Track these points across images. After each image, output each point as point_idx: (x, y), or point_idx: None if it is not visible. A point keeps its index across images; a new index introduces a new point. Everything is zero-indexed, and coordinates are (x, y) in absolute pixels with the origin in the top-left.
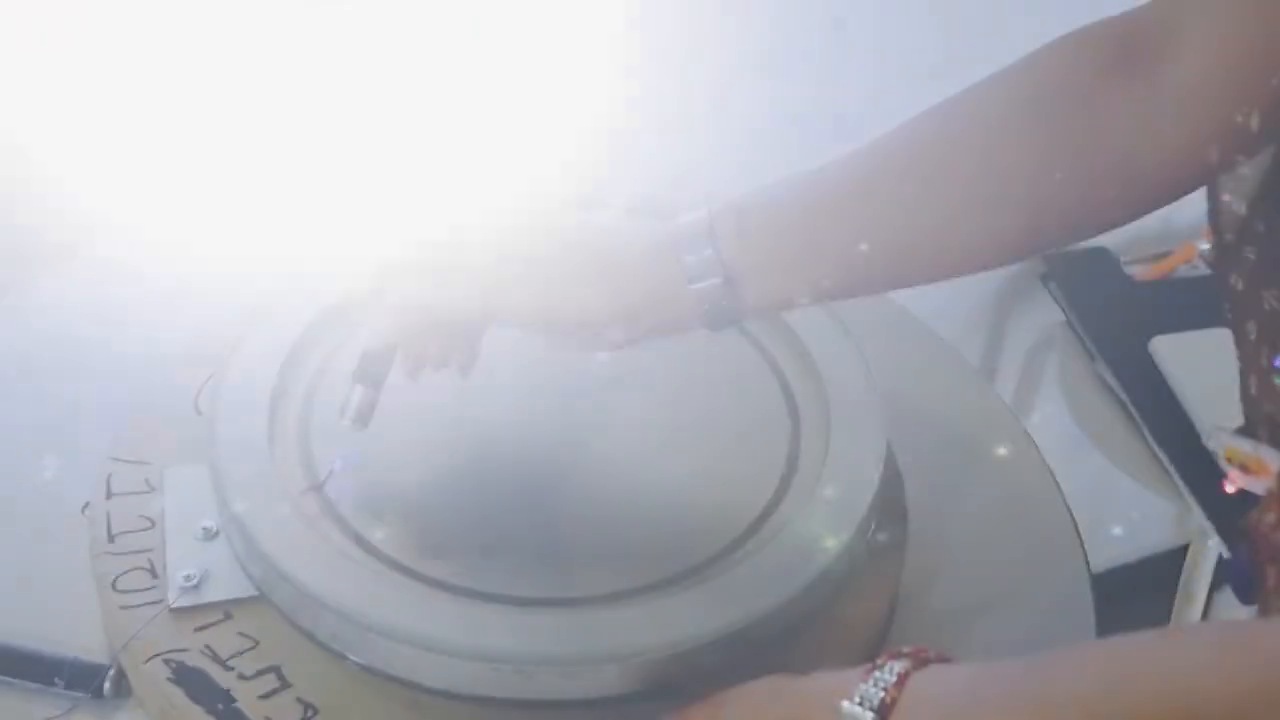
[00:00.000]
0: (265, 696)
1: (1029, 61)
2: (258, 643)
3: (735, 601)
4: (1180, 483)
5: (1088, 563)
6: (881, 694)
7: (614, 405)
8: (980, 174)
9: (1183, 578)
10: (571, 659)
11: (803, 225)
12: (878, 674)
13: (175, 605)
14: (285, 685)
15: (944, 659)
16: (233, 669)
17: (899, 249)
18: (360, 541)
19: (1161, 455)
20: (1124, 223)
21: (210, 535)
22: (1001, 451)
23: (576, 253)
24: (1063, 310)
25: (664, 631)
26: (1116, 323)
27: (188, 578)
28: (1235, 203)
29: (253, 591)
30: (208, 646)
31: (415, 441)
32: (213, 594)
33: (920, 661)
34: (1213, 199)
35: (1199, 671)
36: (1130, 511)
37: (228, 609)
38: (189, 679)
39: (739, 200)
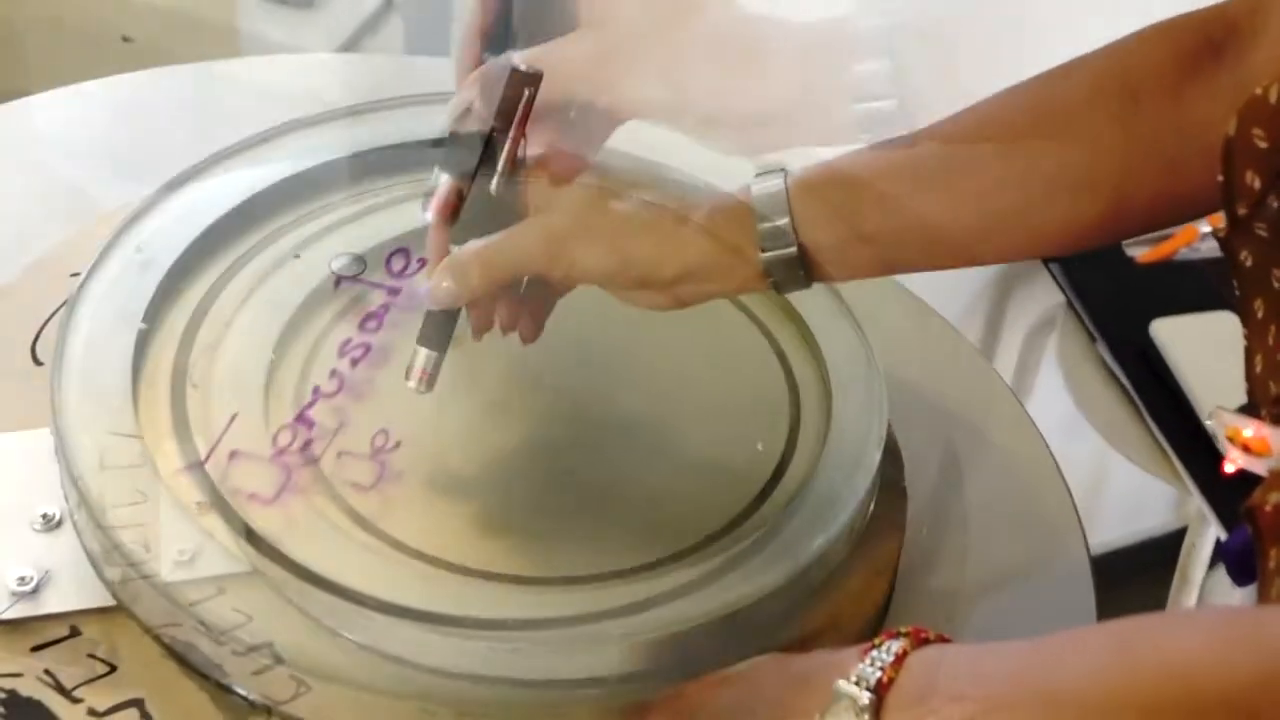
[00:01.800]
0: None
1: (1114, 50)
2: (114, 668)
3: (732, 582)
4: (1179, 466)
5: (1088, 545)
6: (879, 673)
7: (611, 382)
8: (1067, 158)
9: (1180, 561)
10: (567, 638)
11: (882, 198)
12: (875, 653)
13: (4, 617)
14: None
15: (943, 639)
16: (80, 701)
17: (978, 227)
18: (254, 539)
19: (1161, 438)
20: (1200, 215)
21: (52, 524)
22: (1002, 432)
23: (648, 211)
24: (1063, 291)
25: (662, 611)
26: (1117, 305)
27: (22, 580)
28: (1252, 177)
29: (109, 600)
30: (47, 672)
31: (343, 408)
32: (56, 603)
33: (919, 641)
34: (1229, 171)
35: (1202, 656)
36: (1128, 494)
37: (74, 623)
38: (23, 714)
39: (817, 169)
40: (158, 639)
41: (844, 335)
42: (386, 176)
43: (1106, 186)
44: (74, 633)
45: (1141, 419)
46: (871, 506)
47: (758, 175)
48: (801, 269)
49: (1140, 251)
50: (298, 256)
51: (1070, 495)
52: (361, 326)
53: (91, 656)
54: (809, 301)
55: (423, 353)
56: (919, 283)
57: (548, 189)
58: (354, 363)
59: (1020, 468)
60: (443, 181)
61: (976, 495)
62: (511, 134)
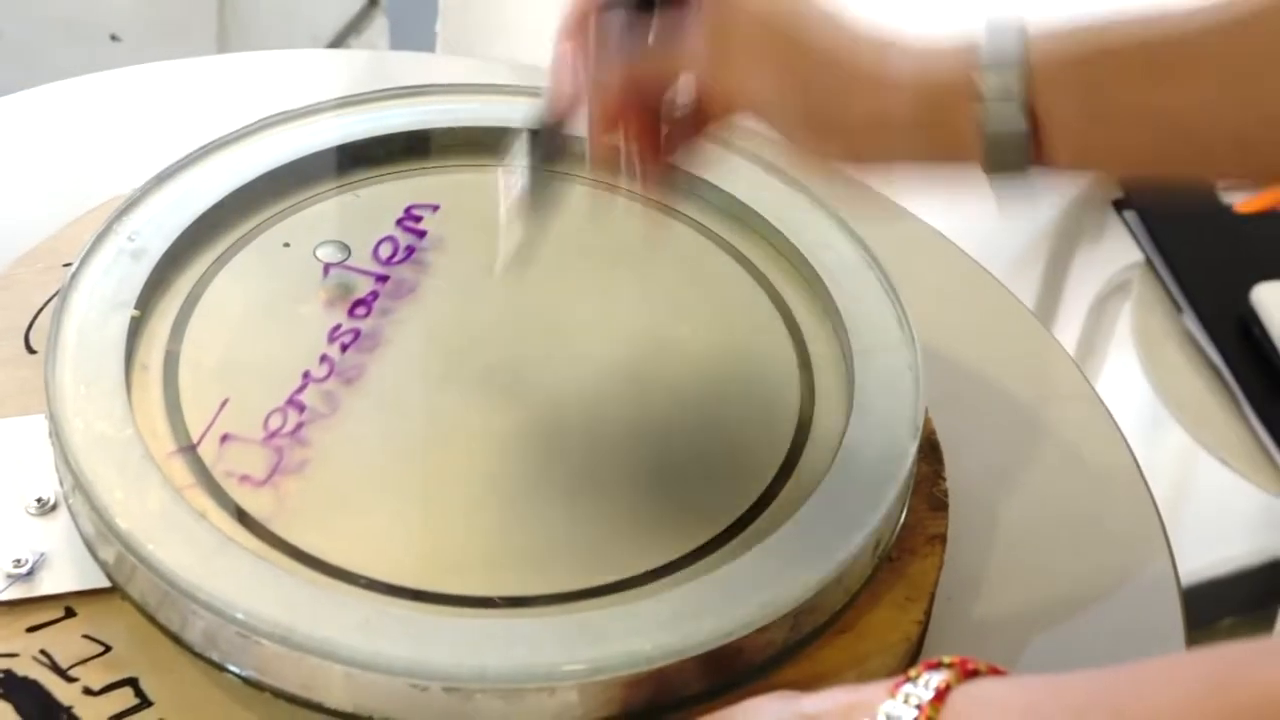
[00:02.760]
0: (118, 717)
1: None
2: (109, 648)
3: (724, 607)
4: None
5: (1175, 565)
6: (914, 713)
7: (591, 361)
8: None
9: None
10: (520, 675)
11: (1147, 73)
12: (910, 688)
13: (1, 598)
14: (144, 703)
15: (996, 671)
16: (76, 680)
17: (1261, 131)
18: (245, 519)
19: (1264, 435)
20: None
21: (47, 508)
22: (1066, 423)
23: (847, 37)
24: (1141, 247)
25: (634, 642)
26: (1210, 265)
27: (18, 563)
28: None
29: (103, 582)
30: (43, 651)
31: (333, 393)
32: (51, 584)
33: (966, 673)
34: None
35: None
36: (1219, 506)
37: (70, 604)
38: (18, 693)
39: (1065, 26)
40: (152, 619)
41: (870, 295)
42: (373, 167)
43: None
44: (69, 613)
45: (1239, 410)
46: (903, 515)
47: (989, 22)
48: (1026, 148)
49: (1240, 199)
50: (287, 245)
51: (1154, 503)
52: (351, 313)
53: (86, 637)
54: (823, 251)
55: (517, 225)
56: (962, 231)
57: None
58: (344, 348)
59: (1089, 467)
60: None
61: (1034, 501)
62: None
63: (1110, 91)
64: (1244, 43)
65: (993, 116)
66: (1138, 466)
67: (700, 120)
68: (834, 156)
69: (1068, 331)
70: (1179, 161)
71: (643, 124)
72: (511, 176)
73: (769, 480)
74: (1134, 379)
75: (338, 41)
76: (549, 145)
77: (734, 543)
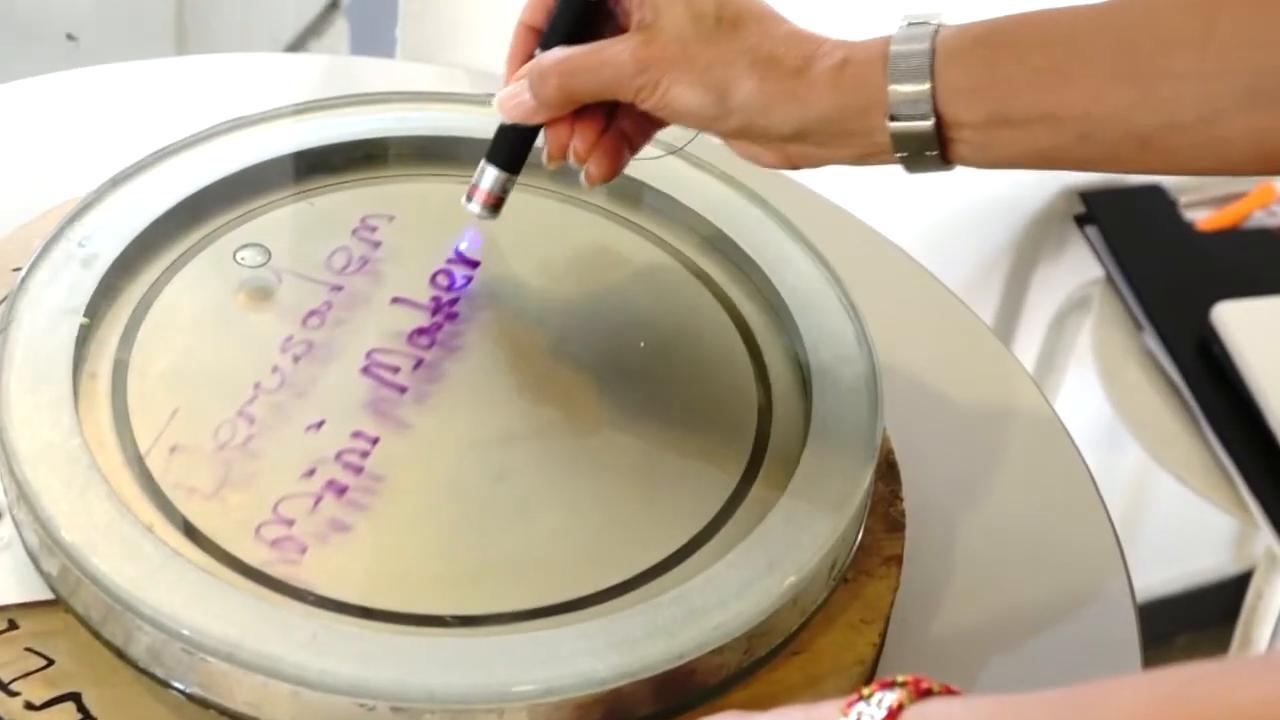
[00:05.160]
0: None
1: None
2: (52, 661)
3: (676, 628)
4: (1244, 490)
5: (1131, 585)
6: None
7: (545, 378)
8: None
9: (1243, 614)
10: (469, 696)
11: (1041, 73)
12: (863, 706)
13: None
14: (87, 719)
15: (950, 690)
16: (17, 694)
17: (1153, 124)
18: (193, 534)
19: (1222, 454)
20: None
21: None
22: (1025, 441)
23: (767, 49)
24: (1102, 263)
25: (591, 661)
26: (1171, 282)
27: None
28: None
29: (46, 594)
30: None
31: (285, 405)
32: None
33: (919, 693)
34: None
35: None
36: (1176, 525)
37: (13, 616)
38: None
39: (972, 27)
40: (96, 633)
41: (829, 312)
42: (331, 174)
43: None
44: (11, 626)
45: (1198, 429)
46: (860, 536)
47: (907, 24)
48: (936, 148)
49: (1201, 215)
50: (240, 258)
51: (1110, 522)
52: (304, 323)
53: (29, 650)
54: (782, 266)
55: (490, 172)
56: (920, 246)
57: (654, 2)
58: (296, 359)
59: (1047, 487)
60: None
61: (992, 520)
62: None
63: (1009, 96)
64: (1135, 40)
65: (902, 125)
66: (1095, 487)
67: (633, 127)
68: (767, 164)
69: (1027, 348)
70: (1082, 159)
71: (585, 122)
72: (478, 174)
73: (724, 500)
74: (1093, 396)
75: (298, 43)
76: (510, 149)
77: (688, 563)
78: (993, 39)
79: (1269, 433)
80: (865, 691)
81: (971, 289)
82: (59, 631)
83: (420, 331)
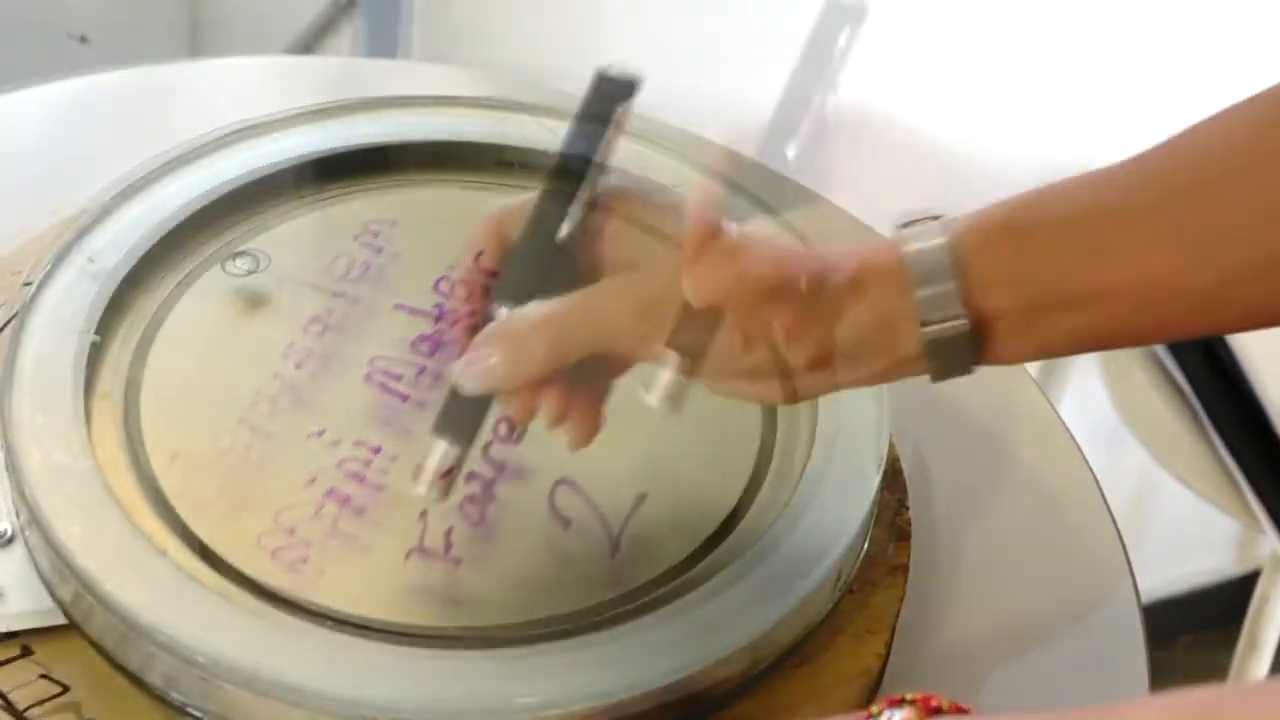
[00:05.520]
0: None
1: None
2: (67, 688)
3: (680, 643)
4: (1250, 496)
5: (1138, 591)
6: None
7: None
8: None
9: (1248, 617)
10: (471, 710)
11: (1083, 249)
12: None
13: None
14: None
15: (959, 709)
16: None
17: (1217, 281)
18: (208, 555)
19: (1227, 459)
20: None
21: (3, 541)
22: (1030, 446)
23: (775, 271)
24: None
25: (595, 676)
26: None
27: None
28: None
29: (60, 619)
30: None
31: (284, 428)
32: (6, 622)
33: (929, 711)
34: None
35: None
36: (1179, 528)
37: (25, 642)
38: None
39: (986, 215)
40: (111, 659)
41: None
42: (344, 180)
43: None
44: (25, 652)
45: (1202, 432)
46: (866, 545)
47: (903, 225)
48: (973, 347)
49: None
50: (240, 268)
51: (1117, 530)
52: (305, 330)
53: (44, 676)
54: None
55: (440, 447)
56: None
57: (633, 237)
58: (297, 366)
59: (1052, 493)
60: (480, 220)
61: (997, 526)
62: (594, 162)
63: (1050, 279)
64: (1190, 197)
65: (935, 329)
66: (1101, 493)
67: (604, 375)
68: (766, 400)
69: None
70: (1135, 331)
71: (553, 389)
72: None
73: (728, 511)
74: (1097, 399)
75: (312, 43)
76: (464, 419)
77: (692, 575)
78: (1017, 221)
79: (1275, 437)
80: (874, 709)
81: None
82: (74, 657)
83: (423, 338)
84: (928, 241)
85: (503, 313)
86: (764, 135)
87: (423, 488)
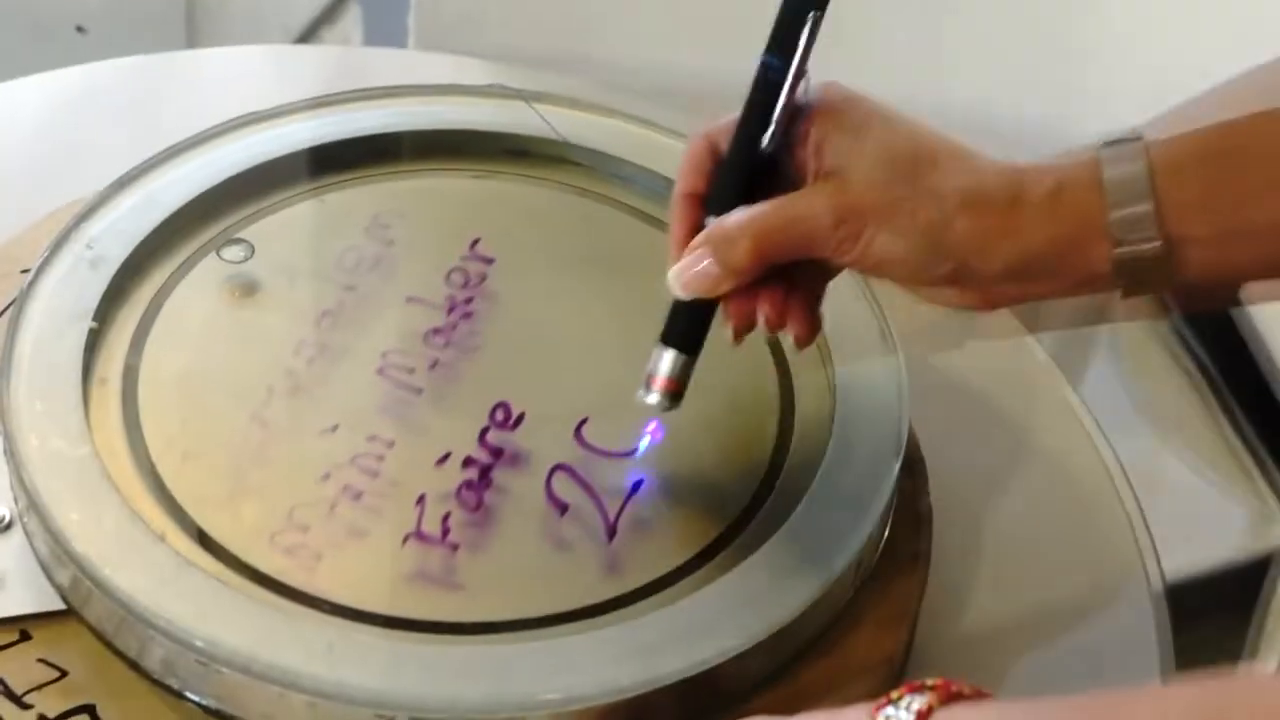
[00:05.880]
0: None
1: None
2: (65, 673)
3: (698, 634)
4: (1269, 478)
5: (1164, 574)
6: None
7: (568, 377)
8: None
9: (1261, 600)
10: (491, 706)
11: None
12: (891, 710)
13: None
14: None
15: (980, 694)
16: (31, 707)
17: None
18: (207, 542)
19: (1255, 445)
20: None
21: (2, 526)
22: (1050, 432)
23: (973, 182)
24: None
25: (614, 669)
26: None
27: None
28: None
29: (59, 604)
30: None
31: (295, 422)
32: (5, 606)
33: (948, 696)
34: None
35: None
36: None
37: (26, 626)
38: None
39: (1186, 138)
40: (109, 644)
41: (852, 305)
42: (342, 171)
43: None
44: (24, 636)
45: (1228, 417)
46: (886, 532)
47: (1105, 145)
48: (1165, 268)
49: None
50: (240, 257)
51: (1141, 511)
52: (317, 324)
53: (42, 661)
54: None
55: (668, 355)
56: None
57: (837, 143)
58: (309, 361)
59: (1072, 478)
60: (693, 138)
61: (1016, 514)
62: (792, 71)
63: (1243, 207)
64: None
65: (1127, 250)
66: (1125, 476)
67: (818, 280)
68: (968, 306)
69: (1051, 337)
70: None
71: (768, 288)
72: (654, 360)
73: (747, 500)
74: (1115, 383)
75: (310, 31)
76: (688, 327)
77: (710, 565)
78: (1213, 149)
79: None
80: (894, 695)
81: None
82: (72, 643)
83: (435, 331)
84: (1127, 164)
85: (711, 222)
86: (735, 124)
87: (654, 397)
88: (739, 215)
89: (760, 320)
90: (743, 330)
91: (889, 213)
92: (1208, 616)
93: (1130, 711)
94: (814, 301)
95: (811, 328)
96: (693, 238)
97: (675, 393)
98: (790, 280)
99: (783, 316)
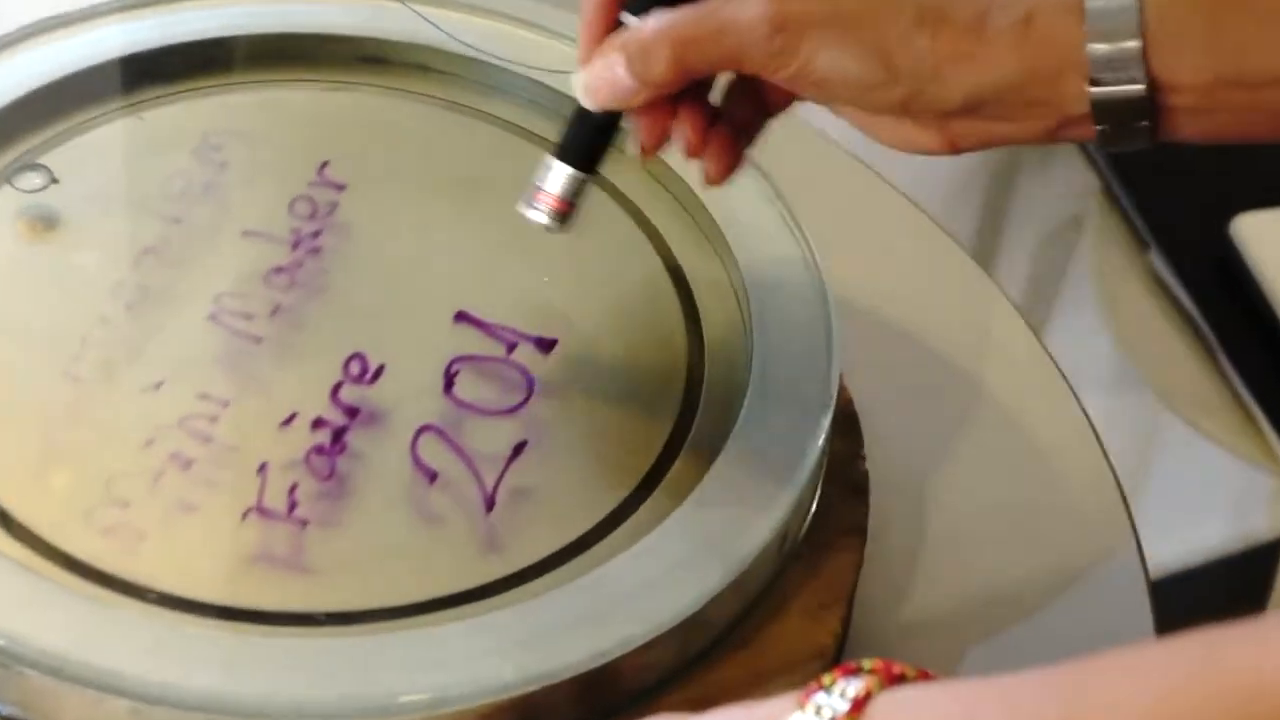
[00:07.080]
0: None
1: None
2: None
3: (597, 621)
4: (1273, 437)
5: (1142, 553)
6: None
7: (442, 318)
8: None
9: (1276, 586)
10: (347, 708)
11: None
12: (823, 697)
13: None
14: None
15: (925, 675)
16: None
17: None
18: (8, 521)
19: (1245, 394)
20: None
21: None
22: (1011, 387)
23: (923, 6)
24: (1099, 172)
25: (494, 662)
26: (1183, 192)
27: None
28: None
29: None
30: None
31: (113, 379)
32: None
33: (890, 679)
34: None
35: None
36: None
37: None
38: None
39: None
40: None
41: (771, 233)
42: (165, 83)
43: None
44: None
45: (1217, 367)
46: (814, 503)
47: None
48: (1148, 117)
49: None
50: (56, 181)
51: (1117, 482)
52: (137, 264)
53: None
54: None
55: (560, 171)
56: (880, 154)
57: None
58: (129, 306)
59: (1038, 440)
60: None
61: (971, 483)
62: None
63: (1243, 53)
64: None
65: (1106, 91)
66: (1097, 438)
67: (755, 106)
68: (922, 147)
69: (1013, 272)
70: None
71: (689, 106)
72: (544, 172)
73: (651, 463)
74: (1091, 331)
75: None
76: (587, 142)
77: (609, 540)
78: None
79: None
80: (825, 680)
81: (945, 206)
82: None
83: (278, 270)
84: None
85: (632, 22)
86: None
87: (539, 215)
88: (659, 19)
89: (679, 143)
90: (652, 148)
91: (833, 23)
92: (1198, 611)
93: (1103, 684)
94: (745, 135)
95: (731, 163)
96: (604, 37)
97: (564, 214)
98: (723, 106)
99: (703, 144)
